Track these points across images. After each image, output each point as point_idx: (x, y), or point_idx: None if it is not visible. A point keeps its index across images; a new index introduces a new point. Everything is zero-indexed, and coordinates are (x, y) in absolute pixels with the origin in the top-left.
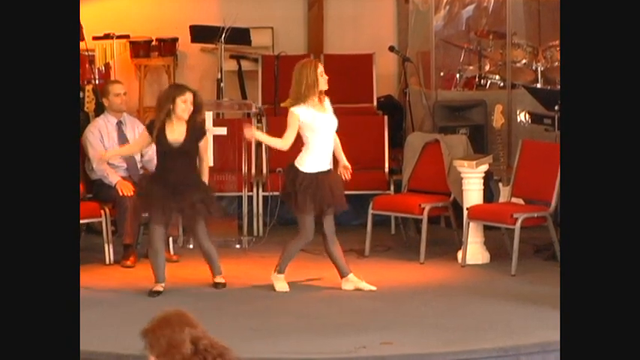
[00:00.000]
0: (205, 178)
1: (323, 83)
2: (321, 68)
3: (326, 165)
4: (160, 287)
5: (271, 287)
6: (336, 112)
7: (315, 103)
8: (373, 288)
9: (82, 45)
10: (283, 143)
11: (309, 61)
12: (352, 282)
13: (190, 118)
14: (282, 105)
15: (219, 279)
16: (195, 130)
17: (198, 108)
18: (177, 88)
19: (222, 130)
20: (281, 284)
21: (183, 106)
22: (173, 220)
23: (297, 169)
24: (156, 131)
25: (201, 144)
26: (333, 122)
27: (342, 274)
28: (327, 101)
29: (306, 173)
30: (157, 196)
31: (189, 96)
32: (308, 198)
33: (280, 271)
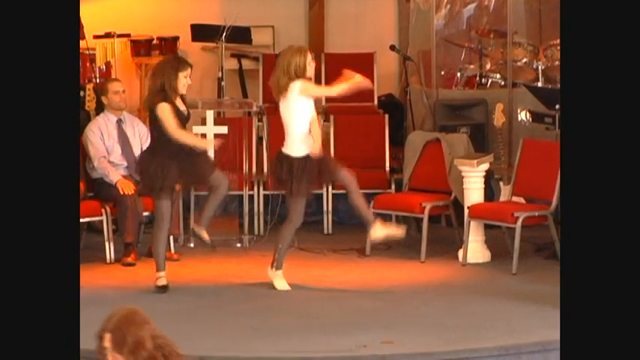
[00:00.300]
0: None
1: (310, 70)
2: (309, 57)
3: (310, 147)
4: (164, 280)
5: (272, 286)
6: (337, 110)
7: None
8: (402, 234)
9: (82, 44)
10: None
11: (300, 48)
12: (380, 230)
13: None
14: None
15: (199, 229)
16: (184, 100)
17: None
18: (180, 62)
19: (223, 129)
20: (281, 282)
21: (185, 80)
22: (179, 186)
23: (289, 156)
24: (163, 95)
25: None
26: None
27: (367, 223)
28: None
29: (298, 158)
30: (160, 168)
31: (189, 71)
32: (304, 181)
33: (278, 267)
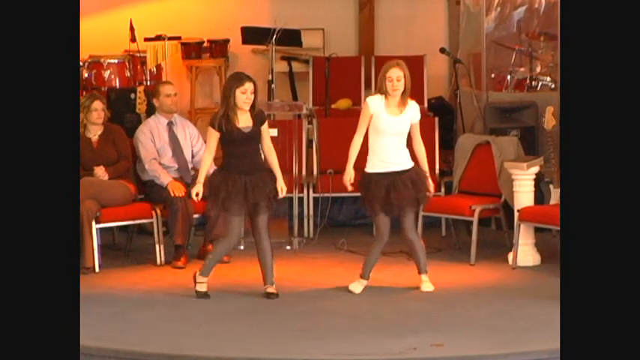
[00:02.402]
0: (272, 161)
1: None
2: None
3: (389, 166)
4: (204, 286)
5: (323, 289)
6: None
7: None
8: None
9: (133, 46)
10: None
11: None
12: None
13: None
14: (333, 107)
15: (270, 289)
16: (257, 115)
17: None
18: (236, 79)
19: (273, 132)
20: (356, 286)
21: (243, 97)
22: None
23: (363, 171)
24: (218, 121)
25: (263, 128)
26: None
27: (419, 271)
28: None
29: (368, 173)
30: (231, 188)
31: (249, 86)
32: (371, 198)
33: (363, 276)
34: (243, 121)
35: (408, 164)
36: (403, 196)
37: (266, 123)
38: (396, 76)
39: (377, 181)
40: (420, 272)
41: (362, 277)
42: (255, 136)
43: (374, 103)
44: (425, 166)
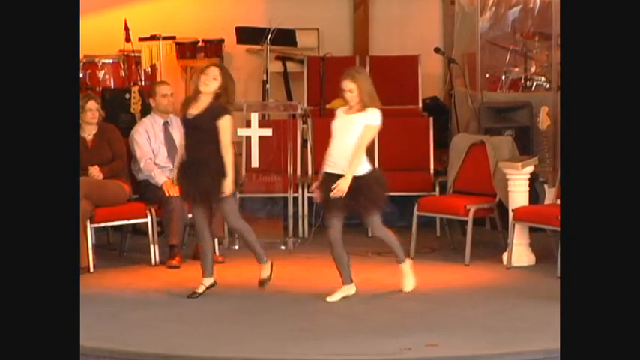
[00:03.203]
0: (225, 161)
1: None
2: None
3: (333, 168)
4: (201, 286)
5: (318, 289)
6: (382, 113)
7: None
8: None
9: (128, 46)
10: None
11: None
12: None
13: (216, 96)
14: (328, 106)
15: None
16: (213, 107)
17: (226, 91)
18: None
19: (268, 132)
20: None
21: (203, 78)
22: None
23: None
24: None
25: (220, 123)
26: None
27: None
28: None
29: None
30: (183, 178)
31: (212, 70)
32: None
33: (345, 282)
34: (197, 107)
35: (362, 170)
36: (355, 201)
37: (224, 119)
38: (348, 89)
39: (325, 180)
40: (399, 262)
41: (344, 283)
42: (200, 126)
43: (339, 112)
44: (349, 168)
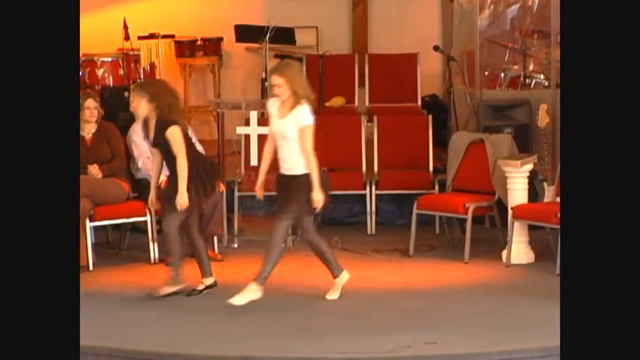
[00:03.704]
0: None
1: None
2: None
3: (283, 170)
4: (201, 285)
5: (317, 287)
6: (381, 111)
7: None
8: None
9: (127, 45)
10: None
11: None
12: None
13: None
14: (326, 104)
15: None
16: (160, 123)
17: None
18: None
19: (266, 130)
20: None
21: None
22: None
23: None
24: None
25: (167, 134)
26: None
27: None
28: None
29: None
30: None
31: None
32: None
33: (257, 281)
34: (151, 128)
35: (298, 170)
36: (290, 201)
37: (171, 130)
38: (276, 84)
39: (277, 181)
40: (334, 277)
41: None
42: (158, 144)
43: (269, 105)
44: (312, 177)
